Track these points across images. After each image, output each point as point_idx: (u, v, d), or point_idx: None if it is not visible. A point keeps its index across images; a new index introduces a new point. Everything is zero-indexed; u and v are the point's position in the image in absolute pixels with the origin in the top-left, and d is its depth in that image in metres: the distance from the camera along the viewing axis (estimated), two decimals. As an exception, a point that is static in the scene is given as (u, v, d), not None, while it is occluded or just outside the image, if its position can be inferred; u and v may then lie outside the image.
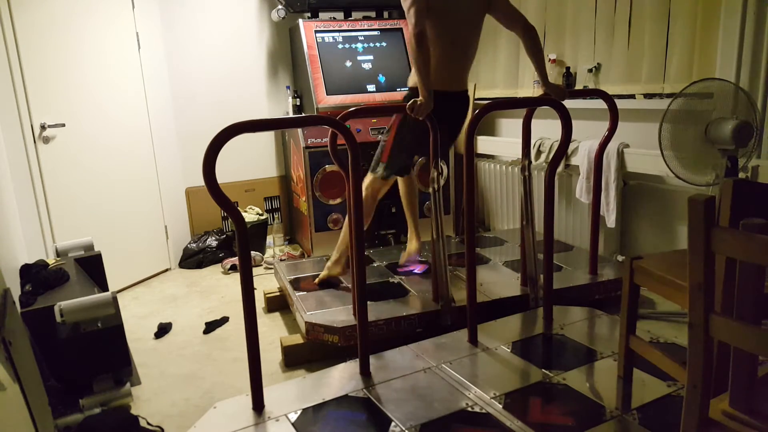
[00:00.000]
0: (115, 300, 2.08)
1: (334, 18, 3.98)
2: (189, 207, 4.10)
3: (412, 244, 3.01)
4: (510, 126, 3.92)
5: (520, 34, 2.53)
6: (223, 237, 4.02)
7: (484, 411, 1.77)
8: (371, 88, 3.82)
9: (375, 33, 3.96)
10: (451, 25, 2.47)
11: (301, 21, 3.79)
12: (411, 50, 2.37)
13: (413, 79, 2.53)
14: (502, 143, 3.87)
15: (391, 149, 2.67)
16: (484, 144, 3.99)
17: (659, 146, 2.33)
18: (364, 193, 2.57)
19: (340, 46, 3.85)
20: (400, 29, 4.00)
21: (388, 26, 4.00)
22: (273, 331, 2.78)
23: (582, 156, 3.10)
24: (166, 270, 3.87)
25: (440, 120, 2.37)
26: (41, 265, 2.39)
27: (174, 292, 3.46)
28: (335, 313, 2.45)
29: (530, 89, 3.60)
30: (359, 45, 3.90)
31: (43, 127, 2.98)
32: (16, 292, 2.23)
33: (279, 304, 3.05)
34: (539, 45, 2.53)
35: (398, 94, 3.81)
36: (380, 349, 2.20)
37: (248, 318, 1.78)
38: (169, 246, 3.86)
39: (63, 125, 3.06)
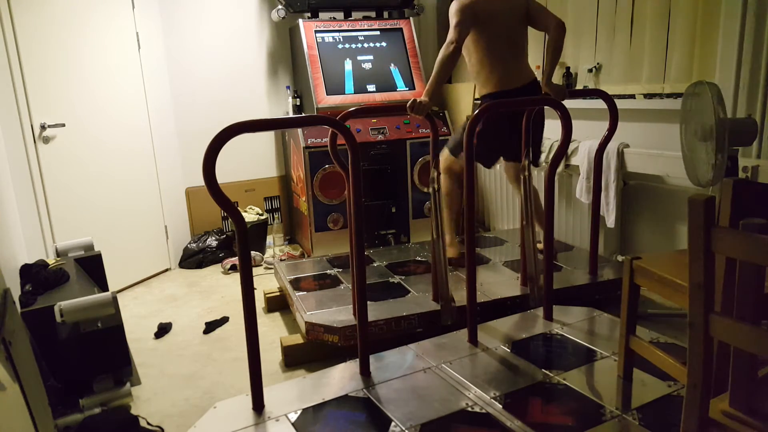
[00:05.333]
0: (115, 300, 2.07)
1: (334, 18, 3.98)
2: (189, 207, 4.10)
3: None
4: (510, 126, 3.91)
5: (551, 31, 2.58)
6: (223, 237, 4.02)
7: (484, 411, 1.77)
8: (371, 88, 3.82)
9: (375, 33, 3.96)
10: (497, 34, 2.59)
11: (301, 21, 3.80)
12: (441, 58, 2.46)
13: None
14: (502, 143, 3.86)
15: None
16: (484, 144, 3.98)
17: (694, 148, 2.29)
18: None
19: (340, 46, 3.85)
20: (400, 29, 4.00)
21: (388, 26, 4.00)
22: (273, 331, 2.78)
23: (582, 156, 3.10)
24: (166, 270, 3.87)
25: (513, 119, 2.45)
26: (41, 265, 2.39)
27: (174, 292, 3.46)
28: (335, 313, 2.45)
29: (530, 89, 3.59)
30: (359, 45, 3.90)
31: (43, 127, 2.99)
32: (16, 292, 2.23)
33: (279, 304, 3.05)
34: (562, 44, 2.58)
35: (398, 95, 3.82)
36: (380, 349, 2.20)
37: (248, 318, 1.78)
38: (169, 246, 3.86)
39: (63, 125, 3.06)
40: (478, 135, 2.57)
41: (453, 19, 2.48)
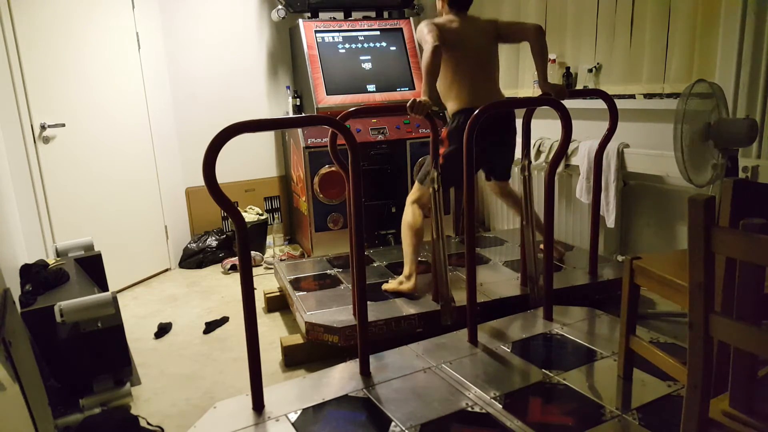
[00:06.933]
0: (115, 300, 2.07)
1: (334, 18, 3.98)
2: (189, 207, 4.10)
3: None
4: (510, 126, 3.91)
5: (531, 39, 2.57)
6: (223, 237, 4.02)
7: (484, 411, 1.77)
8: (371, 88, 3.82)
9: (375, 33, 3.96)
10: (465, 56, 2.57)
11: (301, 21, 3.80)
12: (425, 63, 2.42)
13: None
14: (502, 143, 3.87)
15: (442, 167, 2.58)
16: (484, 144, 3.98)
17: (679, 148, 2.29)
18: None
19: (340, 46, 3.85)
20: (400, 29, 4.00)
21: (388, 26, 4.00)
22: (273, 331, 2.78)
23: (582, 156, 3.10)
24: (166, 270, 3.87)
25: (481, 136, 2.34)
26: (41, 265, 2.39)
27: (174, 292, 3.46)
28: (335, 313, 2.45)
29: (530, 89, 3.60)
30: (359, 45, 3.90)
31: (43, 127, 2.98)
32: (16, 292, 2.23)
33: (279, 304, 3.05)
34: (545, 46, 2.56)
35: (398, 95, 3.82)
36: (380, 349, 2.20)
37: (248, 318, 1.78)
38: (169, 246, 3.86)
39: (63, 125, 3.06)
40: (449, 156, 2.56)
41: (424, 31, 2.46)
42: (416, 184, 2.71)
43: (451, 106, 2.65)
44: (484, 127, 2.34)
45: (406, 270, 2.66)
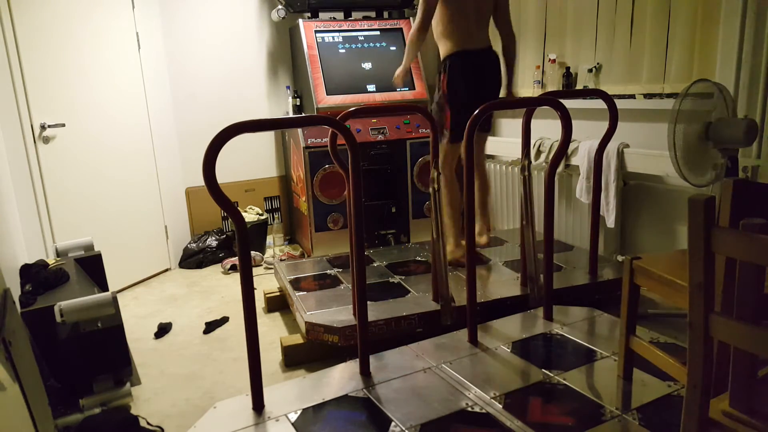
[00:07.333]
0: (115, 300, 2.07)
1: (334, 18, 3.98)
2: (189, 207, 4.10)
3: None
4: (510, 126, 3.92)
5: (503, 36, 2.96)
6: (223, 237, 4.02)
7: (484, 411, 1.77)
8: (371, 88, 3.82)
9: (375, 33, 3.96)
10: (463, 9, 2.80)
11: (301, 21, 3.80)
12: (410, 38, 2.82)
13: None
14: (502, 143, 3.87)
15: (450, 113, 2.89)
16: (484, 144, 3.98)
17: (672, 147, 2.30)
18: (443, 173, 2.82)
19: (340, 46, 3.85)
20: (400, 29, 4.00)
21: (388, 26, 4.00)
22: (273, 331, 2.78)
23: (582, 156, 3.09)
24: (166, 270, 3.87)
25: (474, 77, 2.76)
26: (41, 265, 2.39)
27: (174, 292, 3.46)
28: (335, 313, 2.45)
29: (530, 89, 3.60)
30: (359, 45, 3.90)
31: (43, 127, 2.99)
32: (16, 292, 2.23)
33: (279, 304, 3.05)
34: (515, 52, 2.99)
35: (398, 95, 3.82)
36: (380, 349, 2.20)
37: (248, 318, 1.78)
38: (169, 246, 3.86)
39: (63, 125, 3.06)
40: (449, 91, 2.86)
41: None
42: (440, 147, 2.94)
43: (443, 49, 2.89)
44: (472, 74, 2.76)
45: (452, 241, 2.88)
